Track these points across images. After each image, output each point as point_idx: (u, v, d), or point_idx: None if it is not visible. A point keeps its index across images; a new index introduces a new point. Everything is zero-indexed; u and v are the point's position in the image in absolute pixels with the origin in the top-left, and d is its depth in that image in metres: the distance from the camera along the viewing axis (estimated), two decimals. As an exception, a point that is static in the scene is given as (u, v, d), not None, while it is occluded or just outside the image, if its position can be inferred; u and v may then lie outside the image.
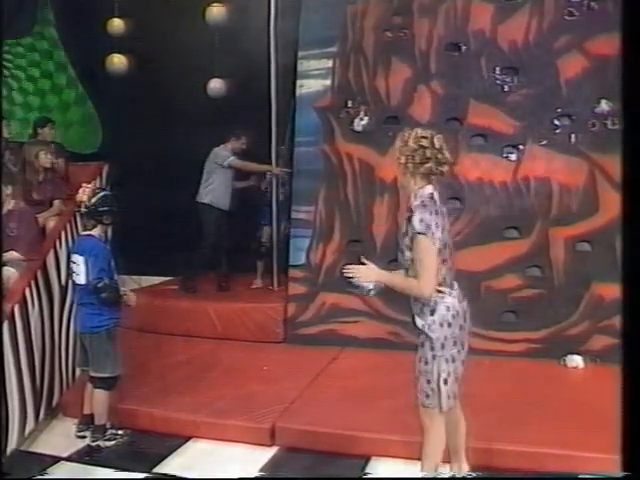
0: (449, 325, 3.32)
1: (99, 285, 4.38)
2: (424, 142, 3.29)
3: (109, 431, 4.61)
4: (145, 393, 5.08)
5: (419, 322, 3.38)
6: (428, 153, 3.28)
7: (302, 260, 6.47)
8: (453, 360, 3.36)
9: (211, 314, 6.65)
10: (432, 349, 3.34)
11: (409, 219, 3.29)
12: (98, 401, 4.57)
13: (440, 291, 3.32)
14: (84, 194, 4.50)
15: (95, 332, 4.49)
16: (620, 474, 2.72)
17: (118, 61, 7.42)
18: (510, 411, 4.53)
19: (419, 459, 4.10)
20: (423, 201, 3.29)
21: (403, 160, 3.32)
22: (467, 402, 4.15)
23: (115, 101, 7.55)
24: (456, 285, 3.44)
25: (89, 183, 5.71)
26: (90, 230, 4.55)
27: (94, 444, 4.55)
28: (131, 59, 7.47)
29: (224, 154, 7.09)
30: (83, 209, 4.53)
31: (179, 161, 6.68)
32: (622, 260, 2.90)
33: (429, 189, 3.33)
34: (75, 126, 7.96)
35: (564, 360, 5.69)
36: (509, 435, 4.22)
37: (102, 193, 4.57)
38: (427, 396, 3.40)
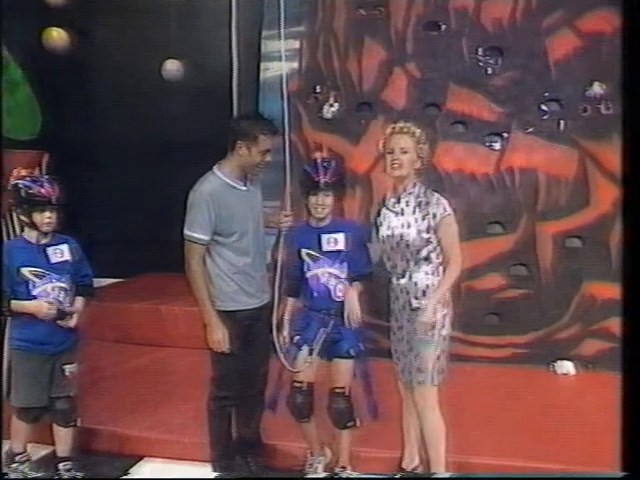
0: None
1: None
2: None
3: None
4: (92, 408, 4.64)
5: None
6: None
7: (267, 259, 6.15)
8: None
9: (177, 318, 6.26)
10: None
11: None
12: (12, 424, 4.08)
13: None
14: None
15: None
16: (620, 474, 2.77)
17: (57, 36, 6.80)
18: (493, 423, 4.46)
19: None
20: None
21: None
22: (447, 412, 4.06)
23: (56, 82, 7.02)
24: None
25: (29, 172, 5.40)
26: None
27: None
28: (73, 34, 6.90)
29: (199, 204, 3.66)
30: None
31: (129, 147, 6.21)
32: (622, 257, 2.93)
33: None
34: (6, 114, 7.39)
35: (553, 366, 5.64)
36: (492, 448, 4.15)
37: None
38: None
